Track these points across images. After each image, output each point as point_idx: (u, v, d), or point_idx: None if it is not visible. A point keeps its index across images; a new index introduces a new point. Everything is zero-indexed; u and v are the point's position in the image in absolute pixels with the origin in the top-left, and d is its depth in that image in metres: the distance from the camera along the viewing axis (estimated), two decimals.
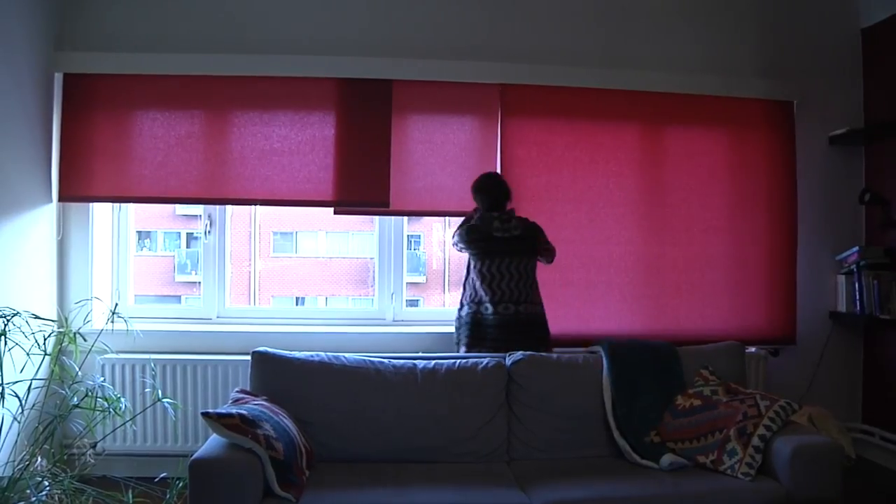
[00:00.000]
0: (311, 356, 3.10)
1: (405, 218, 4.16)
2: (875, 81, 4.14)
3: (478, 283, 3.42)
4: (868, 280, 3.95)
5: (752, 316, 4.08)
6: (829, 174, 4.19)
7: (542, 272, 3.87)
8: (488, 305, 3.38)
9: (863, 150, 4.22)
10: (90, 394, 3.03)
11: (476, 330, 3.42)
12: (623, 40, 4.06)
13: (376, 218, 4.14)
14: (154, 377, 3.56)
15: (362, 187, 3.84)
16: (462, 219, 3.63)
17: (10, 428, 2.86)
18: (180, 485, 2.89)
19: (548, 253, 3.58)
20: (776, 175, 4.11)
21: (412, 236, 6.34)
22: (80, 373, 3.15)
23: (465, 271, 3.53)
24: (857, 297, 3.99)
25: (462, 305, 3.50)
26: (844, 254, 4.10)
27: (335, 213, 3.95)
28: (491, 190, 3.51)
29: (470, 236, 3.46)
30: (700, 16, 4.12)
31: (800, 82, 4.11)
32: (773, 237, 4.10)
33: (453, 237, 3.59)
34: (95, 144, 3.75)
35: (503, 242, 3.39)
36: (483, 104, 3.90)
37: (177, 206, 7.71)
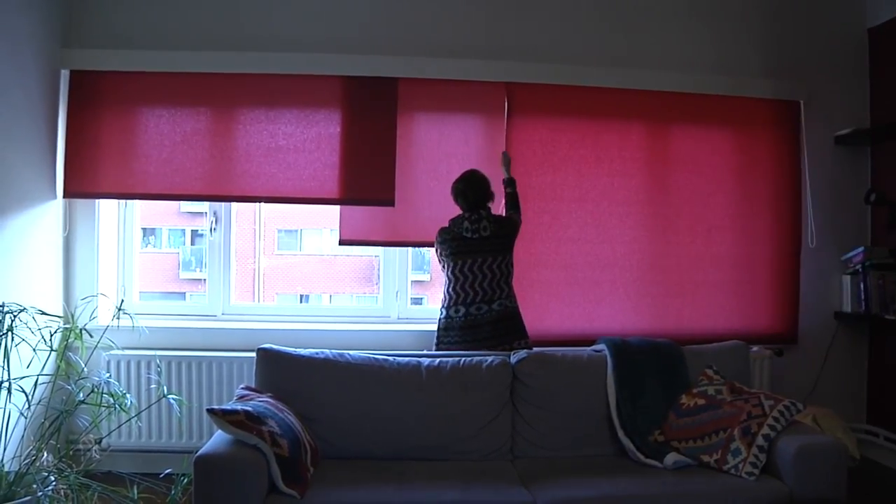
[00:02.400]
0: (316, 353, 3.10)
1: None
2: (881, 81, 4.13)
3: (452, 286, 3.42)
4: (873, 280, 3.94)
5: (757, 315, 4.08)
6: (835, 174, 4.18)
7: (546, 270, 3.88)
8: (460, 307, 3.37)
9: (869, 150, 4.20)
10: (96, 390, 3.05)
11: (445, 334, 3.44)
12: (629, 39, 4.05)
13: None
14: (159, 373, 3.57)
15: (367, 185, 3.84)
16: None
17: (16, 423, 2.88)
18: (185, 481, 2.90)
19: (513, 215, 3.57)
20: (781, 175, 4.10)
21: None
22: (85, 369, 3.17)
23: (444, 279, 3.52)
24: (863, 297, 3.99)
25: (440, 311, 3.49)
26: (850, 254, 4.08)
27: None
28: (467, 193, 3.46)
29: (441, 237, 3.48)
30: (706, 15, 4.11)
31: (806, 82, 4.09)
32: (778, 237, 4.10)
33: (434, 246, 3.57)
34: (101, 141, 3.76)
35: (473, 242, 3.39)
36: (489, 103, 3.90)
37: (182, 203, 7.73)
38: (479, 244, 3.39)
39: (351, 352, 3.17)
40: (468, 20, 3.97)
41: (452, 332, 3.40)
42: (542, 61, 3.91)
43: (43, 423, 2.96)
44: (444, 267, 3.51)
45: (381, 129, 3.84)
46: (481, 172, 3.53)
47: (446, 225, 3.50)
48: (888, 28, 4.05)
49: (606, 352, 3.21)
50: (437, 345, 3.48)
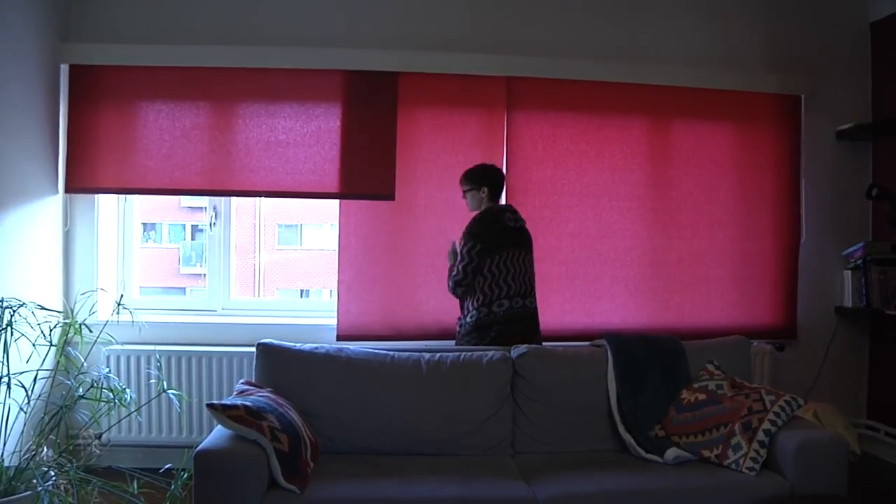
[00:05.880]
0: (316, 348, 3.10)
1: None
2: (883, 76, 4.12)
3: (488, 283, 3.25)
4: (874, 275, 3.93)
5: (758, 310, 4.07)
6: (837, 169, 4.17)
7: (546, 265, 3.87)
8: (503, 301, 3.27)
9: (870, 144, 4.19)
10: (96, 385, 3.04)
11: (484, 333, 3.29)
12: (630, 33, 4.04)
13: None
14: (159, 368, 3.57)
15: (368, 179, 3.83)
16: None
17: (16, 418, 2.87)
18: (185, 476, 2.90)
19: None
20: (783, 170, 4.09)
21: None
22: (85, 364, 3.17)
23: (468, 279, 3.28)
24: (864, 292, 3.98)
25: (469, 311, 3.34)
26: (851, 249, 4.08)
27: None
28: (497, 177, 3.46)
29: (480, 227, 3.29)
30: (708, 9, 4.10)
31: (807, 76, 4.09)
32: (779, 232, 4.09)
33: (465, 244, 3.31)
34: (101, 136, 3.76)
35: (514, 233, 3.36)
36: (489, 97, 3.89)
37: (182, 197, 7.70)
38: (518, 235, 3.37)
39: (351, 346, 3.17)
40: (468, 14, 3.96)
41: (493, 328, 3.26)
42: (543, 55, 3.90)
43: (43, 418, 2.95)
44: (475, 267, 3.26)
45: (381, 124, 3.83)
46: None
47: (479, 217, 3.35)
48: (890, 22, 4.04)
49: (607, 347, 3.20)
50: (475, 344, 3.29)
